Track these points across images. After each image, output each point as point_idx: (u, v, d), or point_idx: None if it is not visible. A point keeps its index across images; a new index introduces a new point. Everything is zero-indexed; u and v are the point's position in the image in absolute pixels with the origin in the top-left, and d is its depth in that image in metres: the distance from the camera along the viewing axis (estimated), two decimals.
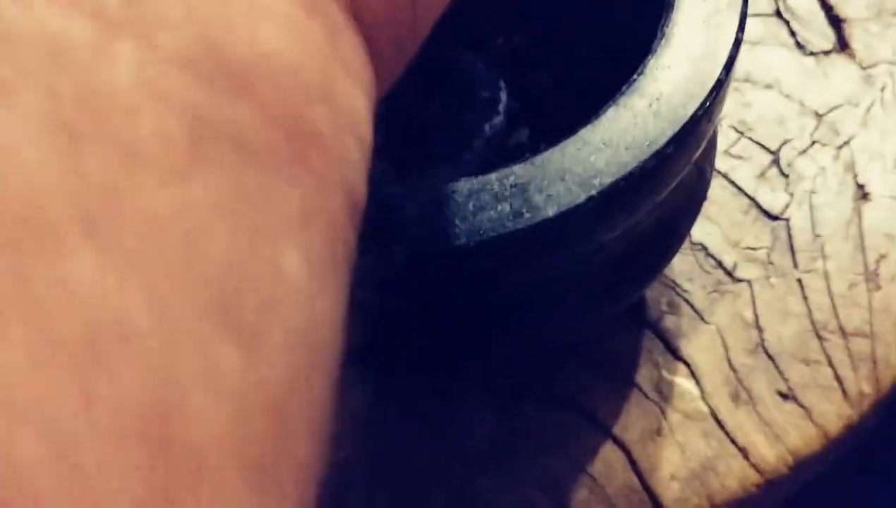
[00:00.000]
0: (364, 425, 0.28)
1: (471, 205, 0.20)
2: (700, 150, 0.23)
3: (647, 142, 0.20)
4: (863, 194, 0.32)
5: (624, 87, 0.21)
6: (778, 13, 0.38)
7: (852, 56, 0.36)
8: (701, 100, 0.21)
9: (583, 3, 0.30)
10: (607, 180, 0.20)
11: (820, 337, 0.29)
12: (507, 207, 0.20)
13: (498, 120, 0.29)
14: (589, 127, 0.21)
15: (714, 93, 0.21)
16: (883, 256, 0.31)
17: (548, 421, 0.29)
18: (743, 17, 0.22)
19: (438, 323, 0.25)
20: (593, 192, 0.20)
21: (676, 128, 0.21)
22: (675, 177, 0.22)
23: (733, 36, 0.22)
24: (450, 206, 0.20)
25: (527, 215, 0.20)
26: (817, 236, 0.31)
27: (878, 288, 0.30)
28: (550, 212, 0.20)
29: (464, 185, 0.20)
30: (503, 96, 0.30)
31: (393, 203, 0.20)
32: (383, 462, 0.28)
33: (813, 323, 0.30)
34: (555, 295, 0.24)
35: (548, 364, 0.30)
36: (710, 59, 0.22)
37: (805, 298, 0.30)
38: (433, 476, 0.28)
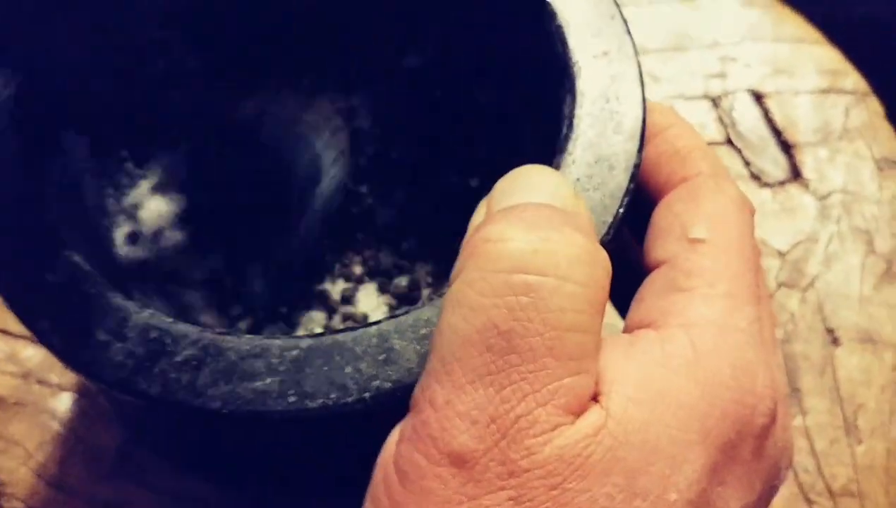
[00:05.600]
0: None
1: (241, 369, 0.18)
2: None
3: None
4: (833, 339, 0.33)
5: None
6: (729, 141, 0.39)
7: (806, 186, 0.37)
8: None
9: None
10: (386, 386, 0.18)
11: (808, 500, 0.30)
12: (275, 383, 0.18)
13: None
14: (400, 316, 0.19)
15: None
16: (861, 406, 0.31)
17: None
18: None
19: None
20: (366, 395, 0.18)
21: None
22: None
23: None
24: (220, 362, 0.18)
25: (291, 399, 0.18)
26: (795, 390, 0.32)
27: (860, 441, 0.30)
28: (314, 404, 0.18)
29: (243, 344, 0.18)
30: None
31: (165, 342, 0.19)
32: None
33: (800, 485, 0.30)
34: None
35: None
36: None
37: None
38: None
